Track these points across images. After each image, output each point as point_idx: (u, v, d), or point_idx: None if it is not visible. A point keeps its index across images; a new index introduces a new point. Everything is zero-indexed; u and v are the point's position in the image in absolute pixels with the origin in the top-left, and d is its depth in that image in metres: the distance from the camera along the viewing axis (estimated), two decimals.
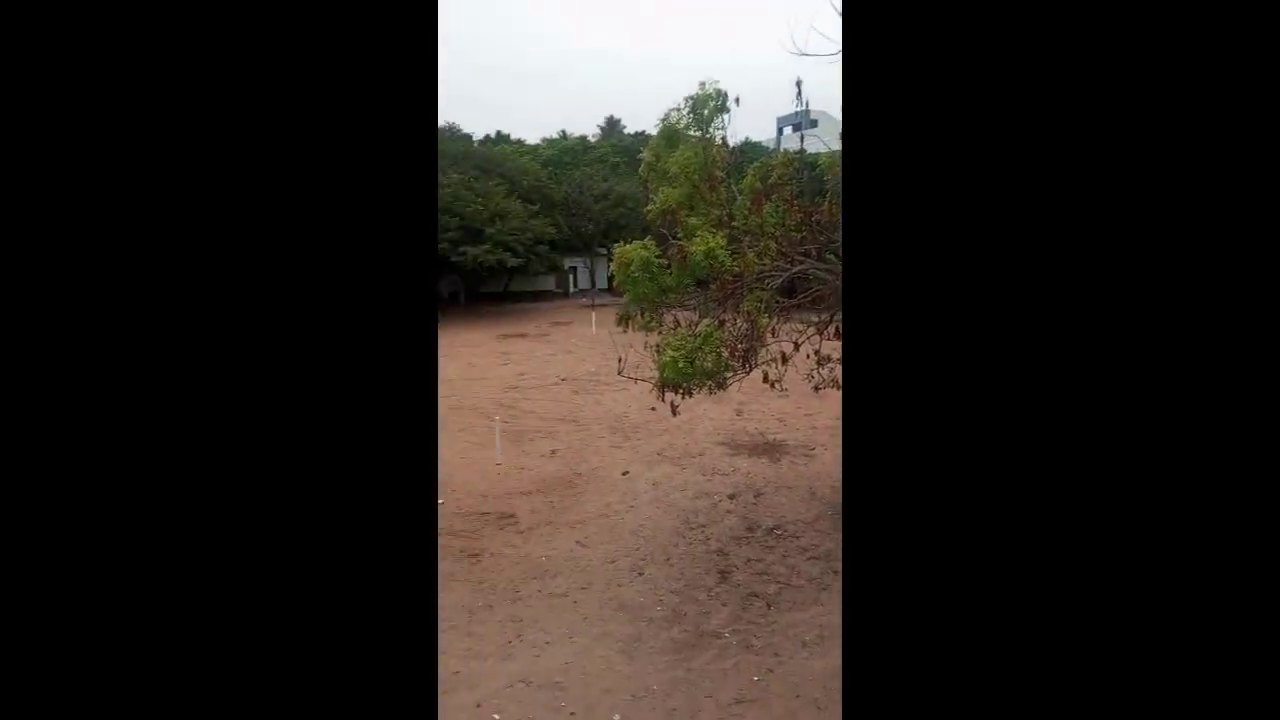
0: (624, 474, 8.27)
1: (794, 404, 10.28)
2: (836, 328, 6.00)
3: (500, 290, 25.43)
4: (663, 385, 5.56)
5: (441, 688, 4.48)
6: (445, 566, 6.04)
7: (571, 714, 4.25)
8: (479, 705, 4.31)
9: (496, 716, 4.22)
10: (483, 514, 7.12)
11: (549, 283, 27.33)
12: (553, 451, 9.10)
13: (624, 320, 6.16)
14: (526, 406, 11.32)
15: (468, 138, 27.77)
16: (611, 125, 39.61)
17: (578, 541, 6.54)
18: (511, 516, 7.05)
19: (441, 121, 27.09)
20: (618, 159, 31.50)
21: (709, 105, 5.74)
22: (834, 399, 6.46)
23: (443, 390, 12.27)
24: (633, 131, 35.23)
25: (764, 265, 5.74)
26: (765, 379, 5.97)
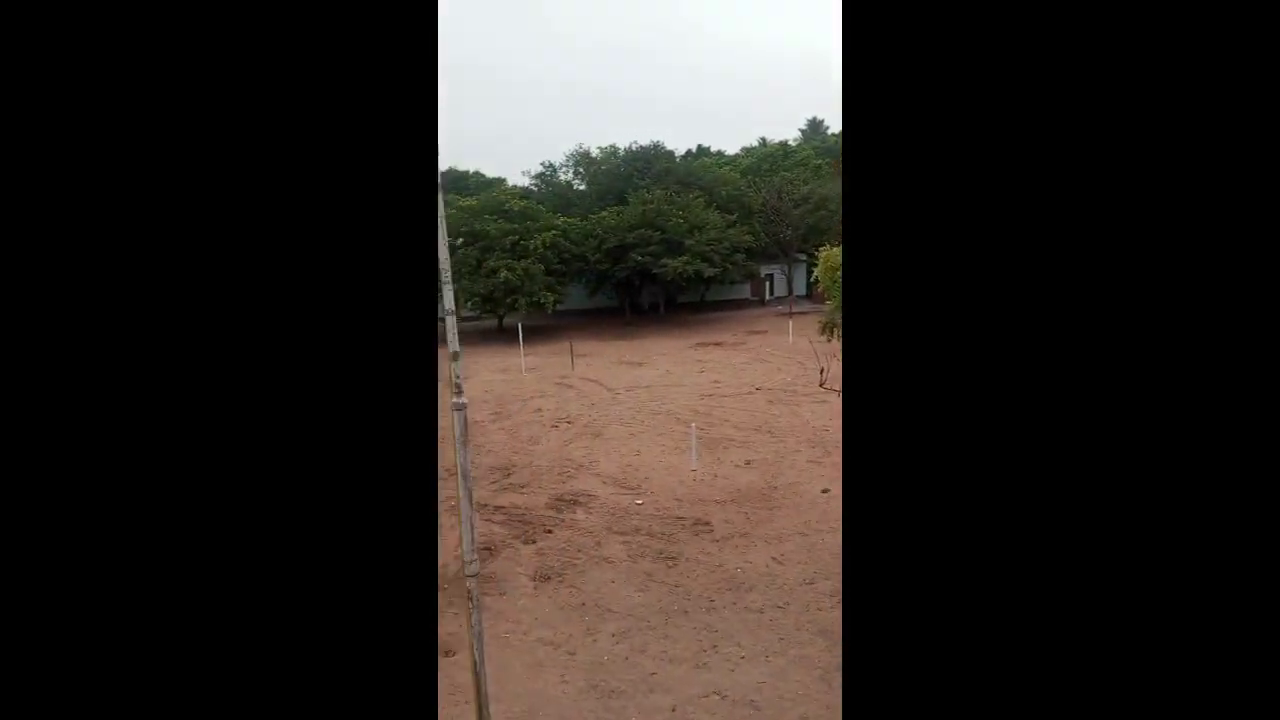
0: (824, 492, 7.83)
1: None
2: None
3: (698, 299, 26.01)
4: None
5: (638, 688, 4.65)
6: (644, 566, 6.29)
7: None
8: (674, 709, 4.38)
9: None
10: (678, 518, 7.27)
11: (745, 291, 27.24)
12: (747, 462, 8.98)
13: (827, 328, 5.83)
14: (721, 415, 11.36)
15: (670, 154, 28.97)
16: (814, 127, 38.19)
17: (774, 558, 6.33)
18: (707, 524, 7.10)
19: (645, 140, 28.64)
20: (820, 161, 30.26)
21: None
22: None
23: (641, 395, 12.89)
24: (837, 131, 33.58)
25: None
26: None
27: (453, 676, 4.83)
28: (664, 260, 21.37)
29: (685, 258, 21.43)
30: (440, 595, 5.98)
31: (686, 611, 5.53)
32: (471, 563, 1.71)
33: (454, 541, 6.90)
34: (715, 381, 14.02)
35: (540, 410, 12.09)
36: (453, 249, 22.30)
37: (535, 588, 6.03)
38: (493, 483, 8.42)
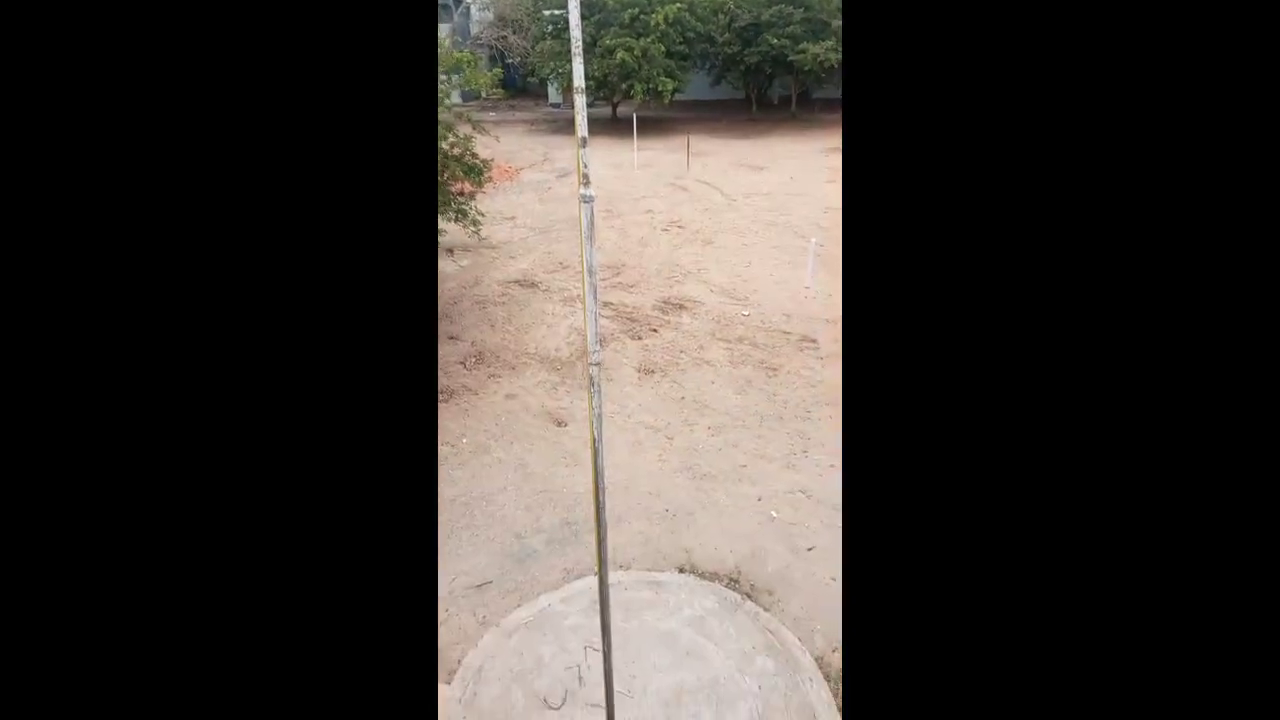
0: None
1: None
2: None
3: (837, 95, 22.82)
4: None
5: (728, 476, 5.04)
6: (744, 372, 6.46)
7: None
8: (759, 499, 4.78)
9: (774, 514, 4.64)
10: (784, 333, 7.23)
11: None
12: None
13: None
14: None
15: None
16: None
17: None
18: (813, 341, 7.02)
19: None
20: None
21: None
22: None
23: (760, 204, 12.15)
24: None
25: None
26: None
27: (563, 444, 5.48)
28: (803, 45, 18.45)
29: (830, 43, 18.33)
30: (554, 375, 6.57)
31: (781, 418, 5.74)
32: (595, 353, 1.75)
33: (564, 330, 7.37)
34: None
35: (651, 212, 11.83)
36: (554, 24, 20.20)
37: (639, 379, 6.44)
38: (603, 280, 8.64)
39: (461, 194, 7.55)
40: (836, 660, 3.54)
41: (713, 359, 6.74)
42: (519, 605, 3.92)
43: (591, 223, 1.78)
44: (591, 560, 4.19)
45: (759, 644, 3.61)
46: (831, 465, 5.11)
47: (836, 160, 15.61)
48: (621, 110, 21.05)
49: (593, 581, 4.00)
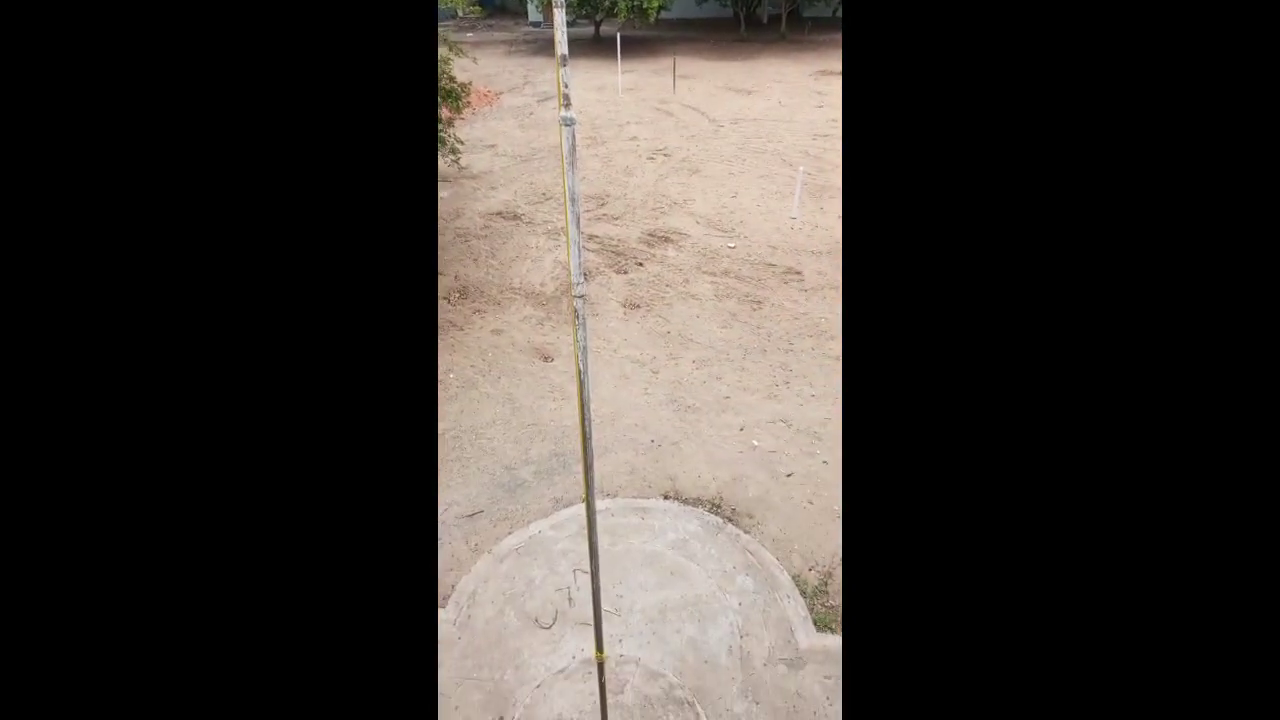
0: None
1: None
2: None
3: (829, 15, 21.67)
4: None
5: (711, 407, 5.14)
6: (729, 306, 6.46)
7: (824, 462, 4.57)
8: (741, 429, 4.90)
9: (755, 443, 4.77)
10: (769, 265, 7.19)
11: None
12: None
13: None
14: (834, 159, 10.31)
15: None
16: None
17: None
18: (798, 273, 7.00)
19: None
20: None
21: None
22: None
23: (746, 131, 11.76)
24: None
25: None
26: None
27: (550, 378, 5.52)
28: None
29: None
30: (540, 310, 6.53)
31: (765, 350, 5.80)
32: (579, 284, 1.73)
33: (549, 264, 7.26)
34: (833, 120, 12.44)
35: (636, 139, 11.43)
36: None
37: (625, 313, 6.42)
38: (587, 211, 8.45)
39: (439, 120, 7.22)
40: (813, 578, 3.75)
41: (698, 293, 6.72)
42: (510, 533, 4.06)
43: (573, 147, 1.72)
44: (579, 489, 4.32)
45: (739, 564, 3.80)
46: (813, 395, 5.22)
47: (826, 84, 15.01)
48: (605, 30, 19.90)
49: (581, 509, 4.14)
